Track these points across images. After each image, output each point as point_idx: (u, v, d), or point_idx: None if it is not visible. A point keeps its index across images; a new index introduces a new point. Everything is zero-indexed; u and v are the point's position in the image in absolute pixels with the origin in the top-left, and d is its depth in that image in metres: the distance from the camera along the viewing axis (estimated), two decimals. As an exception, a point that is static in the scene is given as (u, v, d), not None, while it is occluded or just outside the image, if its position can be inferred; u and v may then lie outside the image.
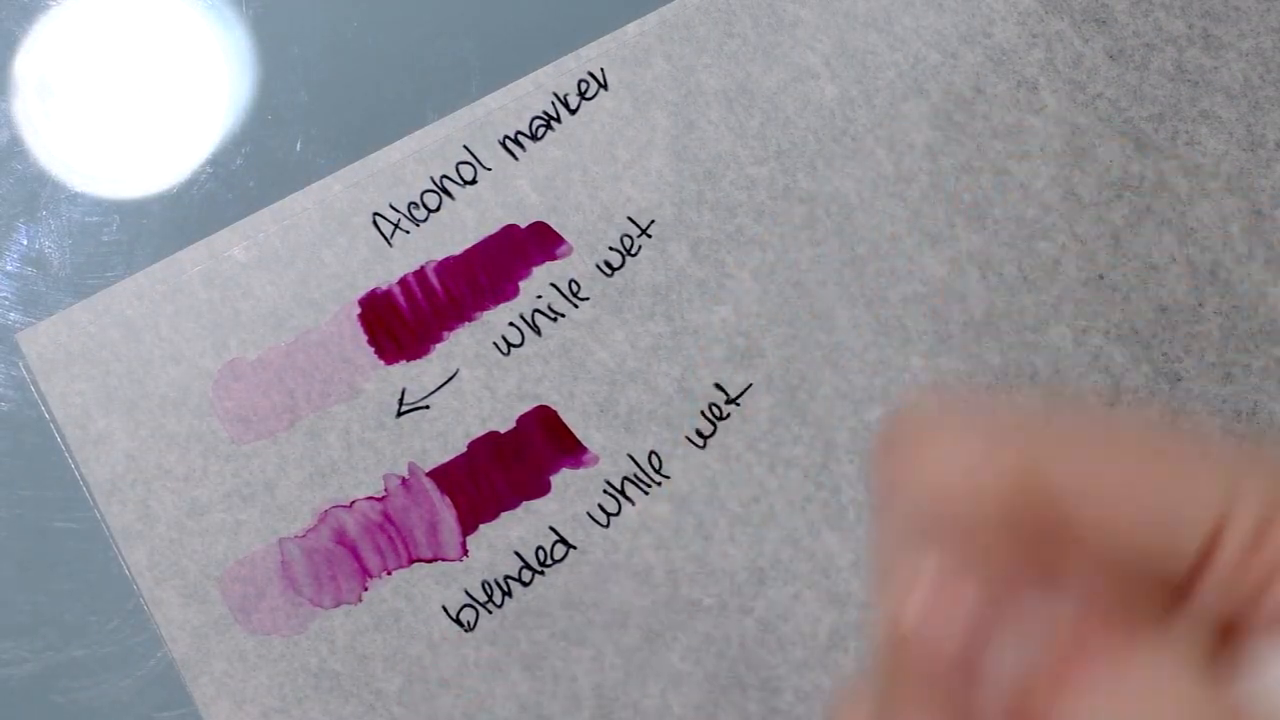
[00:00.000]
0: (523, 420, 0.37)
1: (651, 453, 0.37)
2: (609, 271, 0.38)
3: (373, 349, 0.37)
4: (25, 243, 0.38)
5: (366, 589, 0.36)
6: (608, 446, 0.37)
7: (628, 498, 0.37)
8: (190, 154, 0.39)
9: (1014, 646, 0.19)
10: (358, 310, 0.37)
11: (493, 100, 0.38)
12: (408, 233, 0.38)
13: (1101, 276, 0.38)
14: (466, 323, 0.38)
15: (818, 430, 0.37)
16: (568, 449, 0.37)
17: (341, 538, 0.37)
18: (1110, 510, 0.19)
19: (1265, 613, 0.19)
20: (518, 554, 0.37)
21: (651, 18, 0.39)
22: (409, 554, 0.37)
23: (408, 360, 0.37)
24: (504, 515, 0.37)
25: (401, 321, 0.37)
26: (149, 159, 0.39)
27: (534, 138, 0.38)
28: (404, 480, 0.37)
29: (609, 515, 0.37)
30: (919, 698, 0.20)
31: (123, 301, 0.37)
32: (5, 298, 0.38)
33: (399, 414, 0.37)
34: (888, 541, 0.21)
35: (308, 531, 0.37)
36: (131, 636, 0.36)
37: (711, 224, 0.38)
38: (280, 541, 0.37)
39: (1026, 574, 0.19)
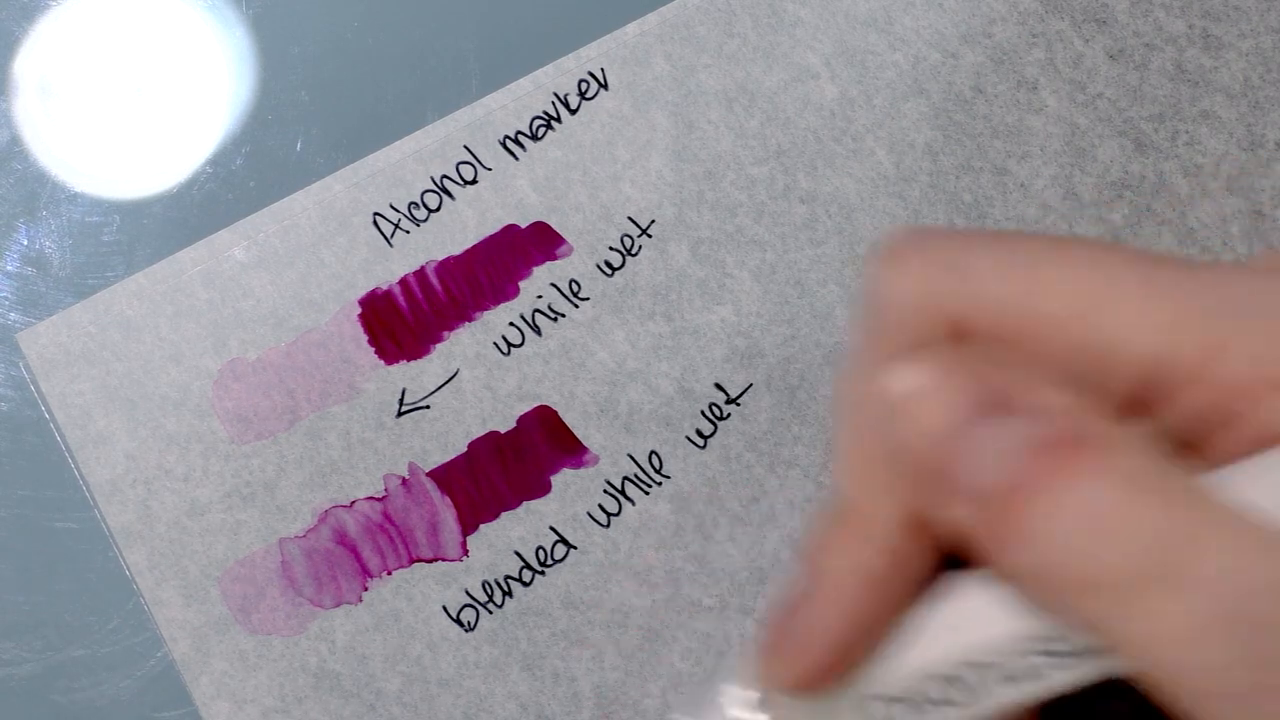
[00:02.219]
0: (523, 420, 0.37)
1: (652, 453, 0.37)
2: (609, 271, 0.38)
3: (373, 349, 0.37)
4: (25, 243, 0.38)
5: (366, 589, 0.36)
6: (608, 446, 0.37)
7: (628, 498, 0.37)
8: (190, 154, 0.39)
9: (994, 445, 0.19)
10: (358, 310, 0.37)
11: (493, 100, 0.38)
12: (408, 233, 0.38)
13: (1101, 276, 0.38)
14: (466, 323, 0.38)
15: (818, 430, 0.37)
16: (568, 449, 0.37)
17: (342, 538, 0.37)
18: (1052, 341, 0.20)
19: (1219, 447, 0.20)
20: (518, 554, 0.37)
21: (651, 18, 0.39)
22: (409, 554, 0.37)
23: (408, 360, 0.37)
24: (504, 515, 0.37)
25: (401, 321, 0.37)
26: (149, 159, 0.39)
27: (534, 138, 0.38)
28: (404, 480, 0.37)
29: (609, 515, 0.37)
30: (889, 474, 0.21)
31: (123, 301, 0.37)
32: (5, 298, 0.38)
33: (399, 414, 0.37)
34: (865, 348, 0.21)
35: (308, 531, 0.37)
36: (131, 636, 0.36)
37: (711, 224, 0.38)
38: (280, 541, 0.37)
39: (996, 381, 0.20)
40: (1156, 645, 0.18)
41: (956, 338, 0.21)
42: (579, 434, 0.37)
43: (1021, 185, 0.39)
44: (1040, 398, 0.19)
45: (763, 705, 0.23)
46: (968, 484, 0.20)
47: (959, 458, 0.20)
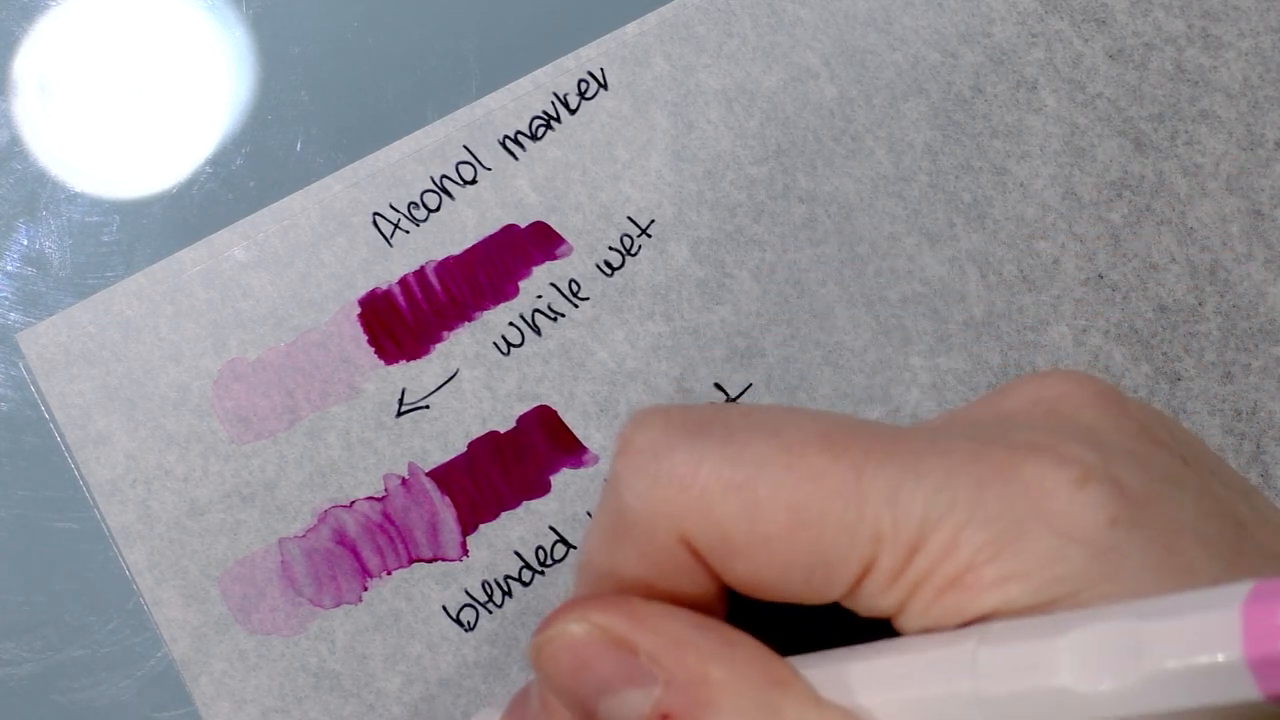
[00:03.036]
0: (523, 420, 0.37)
1: (651, 452, 0.37)
2: (609, 271, 0.38)
3: (373, 349, 0.37)
4: (25, 243, 0.38)
5: (366, 589, 0.36)
6: (608, 446, 0.37)
7: (628, 497, 0.37)
8: (190, 154, 0.39)
9: (630, 701, 0.23)
10: (358, 310, 0.37)
11: (493, 100, 0.38)
12: (408, 233, 0.38)
13: (1101, 276, 0.38)
14: (466, 323, 0.38)
15: (818, 430, 0.37)
16: (568, 449, 0.37)
17: (341, 538, 0.37)
18: (768, 554, 0.22)
19: (903, 623, 0.22)
20: (518, 554, 0.37)
21: (651, 18, 0.39)
22: (409, 554, 0.37)
23: (408, 360, 0.37)
24: (504, 515, 0.37)
25: (401, 321, 0.37)
26: (149, 159, 0.39)
27: (534, 138, 0.38)
28: (404, 480, 0.37)
29: (609, 515, 0.37)
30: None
31: (123, 301, 0.37)
32: (5, 298, 0.38)
33: (399, 414, 0.37)
34: (591, 536, 0.24)
35: (308, 531, 0.37)
36: (131, 636, 0.36)
37: (711, 224, 0.38)
38: (280, 541, 0.37)
39: (666, 620, 0.23)
40: None
41: (683, 546, 0.23)
42: (579, 434, 0.37)
43: (1021, 185, 0.39)
44: (656, 664, 0.22)
45: None
46: None
47: (596, 718, 0.23)
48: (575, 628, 0.23)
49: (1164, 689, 0.19)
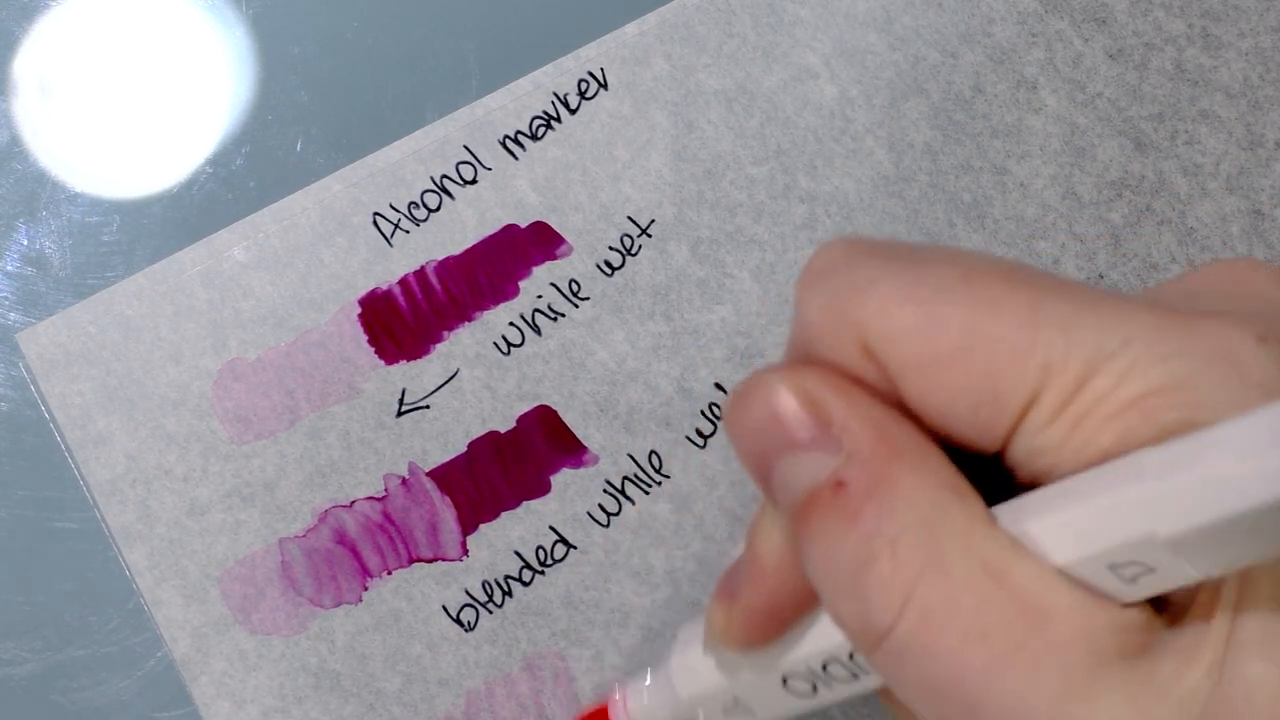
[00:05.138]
0: (523, 420, 0.37)
1: (652, 452, 0.37)
2: (609, 271, 0.38)
3: (373, 349, 0.37)
4: (25, 243, 0.38)
5: (366, 589, 0.36)
6: (608, 446, 0.37)
7: (628, 497, 0.37)
8: (190, 154, 0.39)
9: (790, 476, 0.23)
10: (358, 310, 0.37)
11: (493, 100, 0.38)
12: (408, 233, 0.38)
13: (1101, 276, 0.38)
14: (466, 323, 0.38)
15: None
16: (568, 449, 0.37)
17: (341, 538, 0.37)
18: (940, 375, 0.22)
19: (1058, 467, 0.22)
20: (518, 554, 0.37)
21: (651, 18, 0.39)
22: (409, 554, 0.37)
23: (408, 360, 0.37)
24: (504, 515, 0.37)
25: (401, 321, 0.37)
26: (149, 159, 0.39)
27: (534, 138, 0.38)
28: (404, 480, 0.37)
29: (609, 515, 0.37)
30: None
31: (123, 301, 0.37)
32: (5, 298, 0.38)
33: (399, 414, 0.37)
34: (785, 359, 0.25)
35: (308, 531, 0.37)
36: (131, 636, 0.36)
37: (711, 224, 0.38)
38: (280, 541, 0.37)
39: (851, 404, 0.23)
40: (890, 686, 0.23)
41: (866, 354, 0.23)
42: (579, 434, 0.37)
43: (1021, 185, 0.39)
44: (846, 434, 0.22)
45: (708, 650, 0.27)
46: (775, 499, 0.24)
47: (771, 477, 0.23)
48: (776, 383, 0.23)
49: None
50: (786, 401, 0.23)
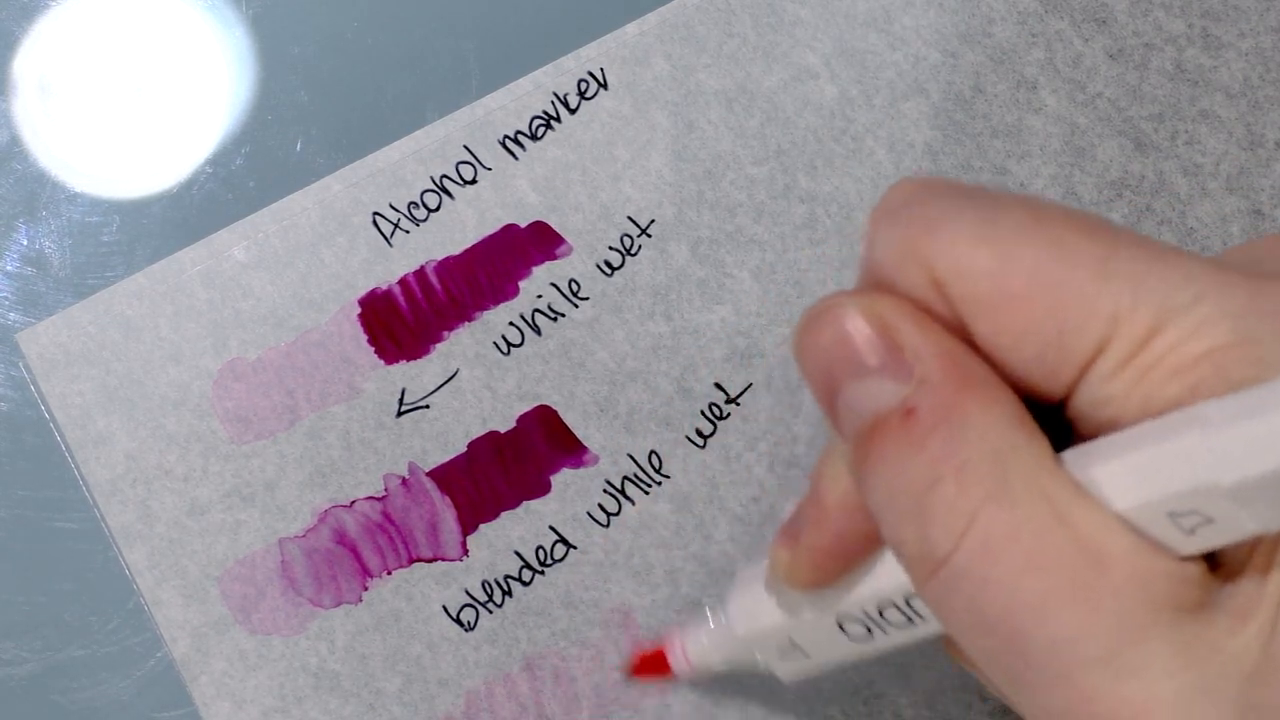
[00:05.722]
0: (523, 420, 0.37)
1: (651, 452, 0.37)
2: (609, 271, 0.38)
3: (373, 349, 0.37)
4: (25, 243, 0.38)
5: (366, 589, 0.36)
6: (608, 446, 0.37)
7: (628, 497, 0.37)
8: (190, 154, 0.39)
9: (857, 401, 0.23)
10: (358, 310, 0.37)
11: (493, 100, 0.38)
12: (408, 232, 0.38)
13: (1101, 276, 0.38)
14: (466, 323, 0.38)
15: (818, 430, 0.37)
16: (568, 449, 0.37)
17: (341, 538, 0.37)
18: (1015, 312, 0.22)
19: (1122, 418, 0.22)
20: (518, 553, 0.37)
21: (651, 18, 0.39)
22: (409, 554, 0.37)
23: (408, 360, 0.37)
24: (504, 515, 0.37)
25: (401, 321, 0.37)
26: (149, 159, 0.39)
27: (534, 138, 0.38)
28: (404, 480, 0.37)
29: (609, 515, 0.37)
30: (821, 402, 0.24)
31: (123, 301, 0.37)
32: (5, 298, 0.38)
33: (399, 414, 0.37)
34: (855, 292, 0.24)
35: (308, 531, 0.37)
36: (131, 636, 0.36)
37: (711, 224, 0.38)
38: (280, 541, 0.37)
39: (923, 335, 0.22)
40: (940, 618, 0.23)
41: (936, 290, 0.23)
42: (579, 434, 0.37)
43: (1021, 185, 0.39)
44: (918, 361, 0.22)
45: (769, 589, 0.28)
46: (839, 423, 0.23)
47: (837, 402, 0.23)
48: (850, 307, 0.23)
49: None
50: (858, 324, 0.23)
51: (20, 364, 0.37)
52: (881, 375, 0.22)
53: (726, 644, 0.31)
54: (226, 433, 0.37)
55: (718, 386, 0.38)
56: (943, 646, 0.27)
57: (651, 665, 0.34)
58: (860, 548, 0.25)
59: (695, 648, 0.33)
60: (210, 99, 0.39)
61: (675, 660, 0.33)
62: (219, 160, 0.39)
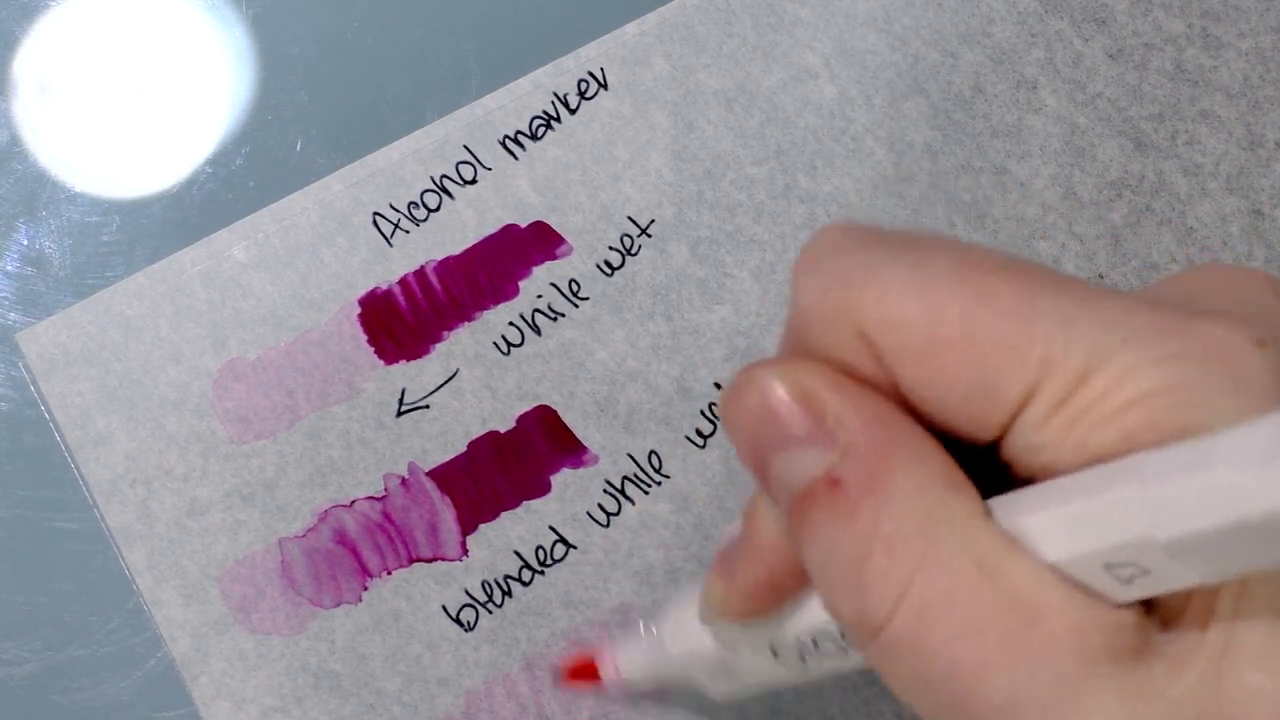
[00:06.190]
0: (523, 420, 0.37)
1: (651, 452, 0.37)
2: (609, 271, 0.38)
3: (373, 349, 0.37)
4: (25, 243, 0.38)
5: (366, 589, 0.36)
6: (608, 446, 0.37)
7: (628, 497, 0.37)
8: (190, 154, 0.39)
9: (786, 470, 0.23)
10: (357, 310, 0.37)
11: (493, 100, 0.38)
12: (408, 232, 0.38)
13: (1101, 276, 0.38)
14: (466, 322, 0.38)
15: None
16: (568, 449, 0.37)
17: (341, 538, 0.37)
18: (938, 362, 0.22)
19: (1056, 464, 0.22)
20: (518, 553, 0.37)
21: (651, 18, 0.39)
22: (409, 554, 0.37)
23: (408, 360, 0.37)
24: (504, 515, 0.37)
25: (401, 321, 0.37)
26: (149, 159, 0.39)
27: (534, 137, 0.38)
28: (404, 480, 0.37)
29: (609, 515, 0.37)
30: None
31: (123, 301, 0.37)
32: (5, 298, 0.38)
33: (399, 414, 0.37)
34: (781, 348, 0.25)
35: (308, 531, 0.37)
36: (131, 636, 0.36)
37: (711, 224, 0.38)
38: (280, 541, 0.37)
39: (847, 399, 0.23)
40: (883, 678, 0.23)
41: (861, 340, 0.23)
42: (579, 434, 0.37)
43: (1021, 185, 0.39)
44: (840, 428, 0.22)
45: (704, 620, 0.28)
46: (770, 492, 0.23)
47: (767, 471, 0.23)
48: (771, 377, 0.23)
49: None
50: (780, 396, 0.23)
51: (20, 364, 0.37)
52: (807, 445, 0.23)
53: (658, 660, 0.31)
54: (226, 433, 0.37)
55: (718, 386, 0.38)
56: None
57: (582, 673, 0.34)
58: (794, 583, 0.25)
59: (626, 661, 0.32)
60: (210, 99, 0.39)
61: (605, 671, 0.33)
62: (219, 160, 0.39)
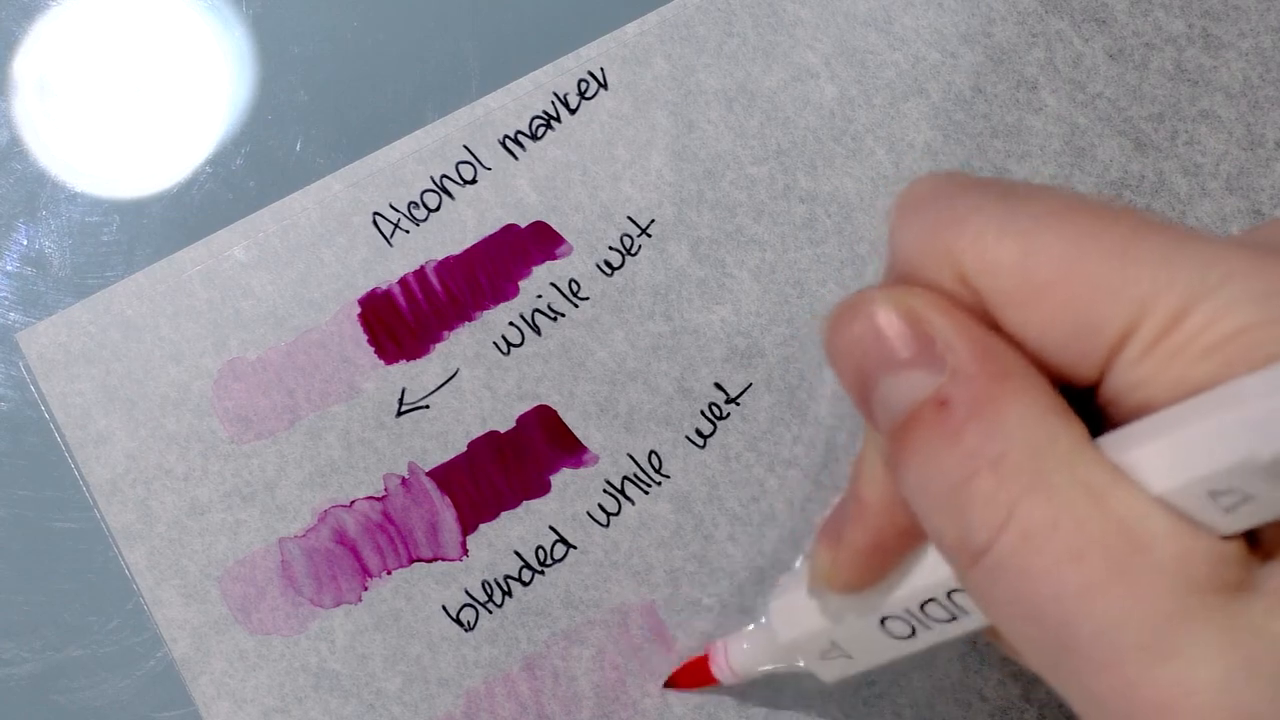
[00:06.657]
0: (523, 420, 0.37)
1: (651, 452, 0.37)
2: (609, 271, 0.38)
3: (373, 349, 0.37)
4: (25, 243, 0.38)
5: (366, 589, 0.36)
6: (608, 446, 0.37)
7: (628, 497, 0.37)
8: (190, 154, 0.39)
9: (891, 394, 0.23)
10: (358, 310, 0.37)
11: (493, 100, 0.38)
12: (408, 232, 0.38)
13: (1101, 276, 0.38)
14: (466, 322, 0.38)
15: (818, 430, 0.37)
16: (568, 449, 0.37)
17: (341, 538, 0.37)
18: (1040, 302, 0.22)
19: (1155, 401, 0.22)
20: (518, 553, 0.37)
21: (651, 18, 0.39)
22: (409, 554, 0.37)
23: (408, 360, 0.37)
24: (504, 515, 0.37)
25: (401, 321, 0.37)
26: (149, 159, 0.39)
27: (534, 137, 0.38)
28: (404, 480, 0.37)
29: (609, 515, 0.37)
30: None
31: (123, 301, 0.37)
32: (5, 298, 0.38)
33: (399, 414, 0.37)
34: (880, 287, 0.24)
35: (308, 531, 0.37)
36: (131, 636, 0.36)
37: (711, 224, 0.38)
38: (280, 541, 0.37)
39: (951, 325, 0.23)
40: (982, 608, 0.22)
41: (962, 283, 0.23)
42: (579, 434, 0.37)
43: (1021, 185, 0.39)
44: (950, 352, 0.22)
45: (812, 593, 0.27)
46: (873, 418, 0.23)
47: (871, 396, 0.23)
48: (879, 301, 0.23)
49: None
50: (889, 318, 0.23)
51: (20, 364, 0.37)
52: (914, 368, 0.22)
53: (769, 650, 0.31)
54: (226, 432, 0.37)
55: (718, 386, 0.38)
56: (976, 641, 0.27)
57: (693, 674, 0.35)
58: (901, 544, 0.25)
59: (738, 655, 0.33)
60: (210, 99, 0.39)
61: (718, 668, 0.34)
62: (219, 160, 0.39)
